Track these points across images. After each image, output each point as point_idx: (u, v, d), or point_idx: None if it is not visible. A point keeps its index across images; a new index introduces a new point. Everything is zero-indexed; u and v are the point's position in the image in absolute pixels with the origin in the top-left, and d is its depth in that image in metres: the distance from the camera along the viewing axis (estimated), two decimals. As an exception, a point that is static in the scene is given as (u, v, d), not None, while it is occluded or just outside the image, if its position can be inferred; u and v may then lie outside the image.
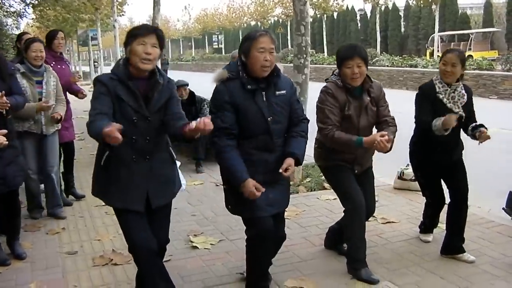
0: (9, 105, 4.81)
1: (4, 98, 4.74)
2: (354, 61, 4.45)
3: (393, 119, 4.75)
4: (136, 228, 3.80)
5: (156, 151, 3.81)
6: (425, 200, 5.41)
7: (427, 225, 5.45)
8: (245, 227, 4.27)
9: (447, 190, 5.18)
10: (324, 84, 4.67)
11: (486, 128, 4.89)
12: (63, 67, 7.09)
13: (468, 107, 4.96)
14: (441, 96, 4.85)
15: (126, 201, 3.75)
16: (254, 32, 4.04)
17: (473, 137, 4.92)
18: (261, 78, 3.99)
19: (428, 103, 4.87)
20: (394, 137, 4.56)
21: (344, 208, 4.77)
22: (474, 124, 4.97)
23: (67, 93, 7.03)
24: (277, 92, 4.07)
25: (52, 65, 6.79)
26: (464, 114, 4.88)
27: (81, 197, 7.30)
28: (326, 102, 4.52)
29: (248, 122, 3.98)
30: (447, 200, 5.19)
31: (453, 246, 5.01)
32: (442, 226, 5.31)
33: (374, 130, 4.76)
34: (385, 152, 4.37)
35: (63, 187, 7.26)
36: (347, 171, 4.70)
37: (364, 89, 4.60)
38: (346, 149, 4.54)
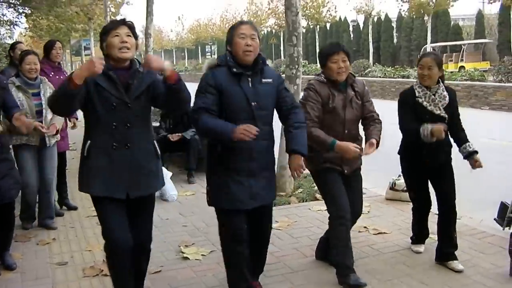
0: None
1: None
2: (339, 55, 4.62)
3: (378, 114, 4.91)
4: (114, 224, 3.87)
5: (138, 140, 3.87)
6: (412, 206, 5.43)
7: (417, 234, 5.44)
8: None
9: (435, 199, 5.21)
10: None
11: (477, 153, 5.14)
12: (61, 77, 7.06)
13: (451, 109, 5.02)
14: (420, 100, 4.93)
15: (107, 189, 3.81)
16: (236, 22, 4.27)
17: (465, 157, 5.12)
18: (248, 66, 4.09)
19: (408, 109, 4.97)
20: (380, 134, 4.81)
21: (328, 218, 4.80)
22: (467, 148, 5.15)
23: None
24: (263, 80, 4.16)
25: (50, 75, 6.82)
26: (446, 115, 4.94)
27: (74, 208, 7.26)
28: (308, 98, 4.67)
29: (232, 106, 4.06)
30: (434, 206, 5.26)
31: (443, 253, 5.06)
32: (434, 237, 5.31)
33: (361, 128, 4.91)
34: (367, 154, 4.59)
35: (56, 197, 7.23)
36: (335, 175, 4.75)
37: (348, 84, 4.74)
38: (320, 148, 4.62)
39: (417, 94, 4.94)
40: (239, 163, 4.08)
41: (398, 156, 5.30)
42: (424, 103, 4.92)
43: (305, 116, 4.46)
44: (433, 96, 4.93)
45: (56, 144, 6.36)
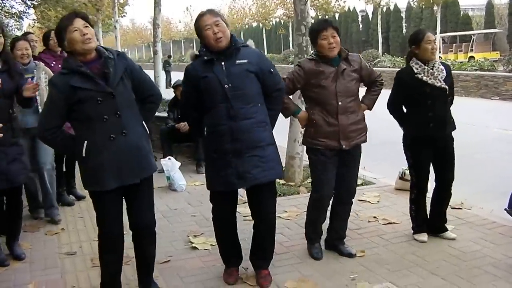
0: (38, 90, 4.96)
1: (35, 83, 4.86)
2: (328, 31, 4.70)
3: (380, 76, 5.14)
4: (110, 215, 3.96)
5: (132, 125, 3.89)
6: (410, 196, 5.49)
7: (417, 220, 5.45)
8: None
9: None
10: None
11: None
12: None
13: (448, 82, 5.16)
14: (420, 76, 5.09)
15: (118, 179, 3.84)
16: (197, 16, 4.30)
17: None
18: (221, 51, 4.19)
19: (403, 88, 5.22)
20: (375, 97, 5.10)
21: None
22: None
23: None
24: (238, 61, 4.22)
25: (52, 64, 6.78)
26: (447, 87, 5.11)
27: (82, 198, 7.26)
28: (292, 72, 4.90)
29: (208, 92, 4.20)
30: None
31: (435, 227, 5.45)
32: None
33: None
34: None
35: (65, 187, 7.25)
36: (327, 158, 4.85)
37: (341, 58, 4.81)
38: (284, 114, 4.96)
39: (415, 71, 5.11)
40: (222, 145, 4.19)
41: (402, 141, 5.41)
42: (424, 78, 5.08)
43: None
44: (431, 70, 5.09)
45: None
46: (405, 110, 5.37)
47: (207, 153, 4.41)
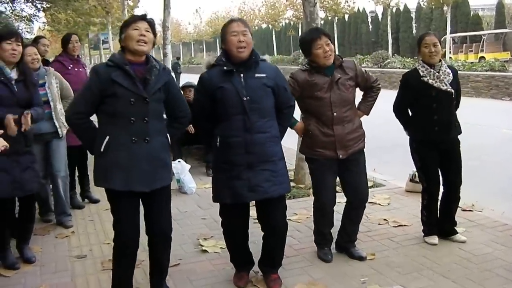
0: (30, 125, 4.89)
1: (29, 118, 4.85)
2: (322, 40, 4.69)
3: (376, 81, 5.11)
4: (126, 219, 3.96)
5: (155, 134, 3.92)
6: (421, 202, 5.46)
7: (428, 224, 5.42)
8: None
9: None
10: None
11: None
12: (80, 70, 7.11)
13: (455, 86, 5.16)
14: (426, 79, 5.09)
15: (128, 183, 3.84)
16: (227, 21, 4.36)
17: None
18: (240, 62, 4.20)
19: (410, 91, 5.20)
20: (375, 100, 5.11)
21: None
22: None
23: None
24: (257, 75, 4.24)
25: (69, 68, 6.88)
26: (452, 91, 5.10)
27: (96, 202, 7.26)
28: (287, 83, 4.77)
29: (225, 103, 4.18)
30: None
31: (445, 231, 5.40)
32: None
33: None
34: None
35: (79, 191, 7.29)
36: (324, 167, 4.86)
37: (336, 66, 4.79)
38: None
39: (421, 74, 5.10)
40: (235, 156, 4.18)
41: (409, 145, 5.40)
42: (430, 81, 5.07)
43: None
44: (437, 73, 5.08)
45: (64, 138, 6.27)
46: (410, 113, 5.36)
47: (217, 164, 4.36)
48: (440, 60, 5.14)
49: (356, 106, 5.01)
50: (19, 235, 5.34)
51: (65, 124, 5.97)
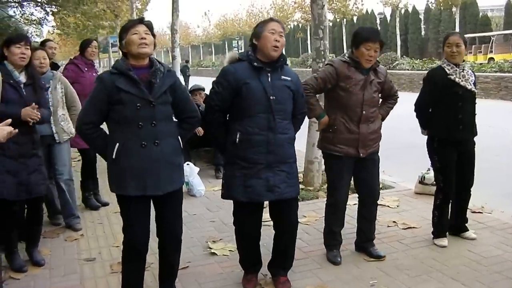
0: (39, 117, 4.90)
1: (36, 111, 4.85)
2: (375, 44, 4.72)
3: (397, 92, 5.23)
4: (137, 222, 3.97)
5: (166, 136, 3.92)
6: (434, 202, 5.47)
7: (439, 226, 5.42)
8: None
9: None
10: None
11: None
12: (94, 74, 7.12)
13: (476, 87, 5.24)
14: (453, 77, 5.10)
15: (142, 188, 3.86)
16: (266, 19, 4.37)
17: None
18: (269, 62, 4.21)
19: (435, 88, 5.19)
20: (389, 109, 5.17)
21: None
22: None
23: None
24: (282, 77, 4.27)
25: (84, 71, 6.97)
26: (476, 91, 5.19)
27: (105, 204, 7.27)
28: (324, 70, 4.93)
29: (251, 100, 4.17)
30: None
31: (458, 227, 5.52)
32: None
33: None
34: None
35: (86, 194, 7.29)
36: (343, 164, 4.91)
37: (371, 68, 4.88)
38: (308, 113, 4.84)
39: (448, 72, 5.12)
40: (256, 155, 4.18)
41: (426, 145, 5.40)
42: (457, 79, 5.09)
43: (309, 83, 4.84)
44: (463, 73, 5.12)
45: (68, 141, 6.26)
46: (432, 112, 5.34)
47: (233, 160, 4.30)
48: (463, 61, 5.20)
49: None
50: (28, 238, 5.36)
51: (65, 129, 6.03)
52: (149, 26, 3.94)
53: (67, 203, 6.32)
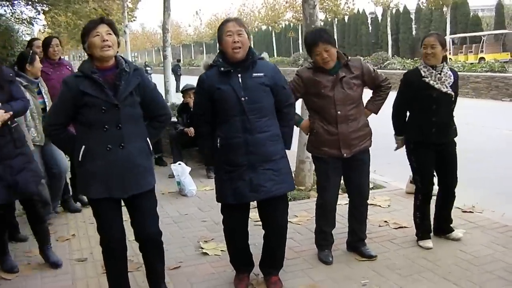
0: (9, 115, 4.68)
1: (4, 114, 4.64)
2: (320, 47, 4.68)
3: (386, 80, 5.11)
4: (109, 222, 3.99)
5: (132, 139, 3.90)
6: (414, 203, 5.47)
7: (422, 227, 5.42)
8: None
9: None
10: None
11: None
12: (63, 72, 6.99)
13: (456, 88, 5.17)
14: (427, 80, 5.07)
15: (105, 191, 3.86)
16: (223, 21, 4.32)
17: None
18: (238, 62, 4.18)
19: (409, 89, 5.18)
20: (384, 99, 5.11)
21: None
22: None
23: None
24: (254, 74, 4.22)
25: (50, 73, 6.80)
26: (453, 93, 5.10)
27: (88, 204, 7.23)
28: (291, 82, 4.85)
29: (224, 104, 4.17)
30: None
31: (442, 229, 5.52)
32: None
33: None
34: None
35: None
36: (329, 165, 4.91)
37: (341, 65, 4.80)
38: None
39: (423, 74, 5.08)
40: (236, 157, 4.18)
41: (404, 146, 5.41)
42: (431, 82, 5.05)
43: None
44: (439, 75, 5.07)
45: None
46: (408, 115, 5.35)
47: (219, 165, 4.34)
48: (442, 62, 5.12)
49: (364, 105, 5.04)
50: (36, 238, 5.28)
51: (33, 132, 6.02)
52: (111, 25, 3.89)
53: (58, 197, 6.54)
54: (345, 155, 4.82)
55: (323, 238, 5.14)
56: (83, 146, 3.83)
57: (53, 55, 6.98)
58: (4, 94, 4.80)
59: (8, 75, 5.03)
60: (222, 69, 4.15)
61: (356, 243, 5.20)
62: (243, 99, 4.13)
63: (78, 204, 7.28)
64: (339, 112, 4.76)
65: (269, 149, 4.24)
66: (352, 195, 5.13)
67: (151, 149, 4.11)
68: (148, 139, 4.05)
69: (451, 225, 5.51)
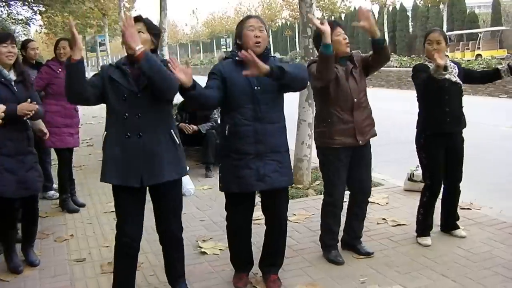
0: (36, 109, 4.87)
1: (33, 104, 4.84)
2: (338, 29, 4.77)
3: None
4: (126, 215, 4.02)
5: (151, 129, 3.94)
6: (420, 199, 5.47)
7: (423, 224, 5.44)
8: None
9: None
10: None
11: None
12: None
13: (465, 72, 5.36)
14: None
15: (120, 177, 3.92)
16: (244, 17, 4.42)
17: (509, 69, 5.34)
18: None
19: (424, 73, 5.06)
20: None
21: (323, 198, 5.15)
22: (503, 66, 5.46)
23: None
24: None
25: (58, 72, 6.83)
26: (461, 82, 5.18)
27: (82, 206, 7.25)
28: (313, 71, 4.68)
29: (235, 92, 4.19)
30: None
31: (449, 224, 5.54)
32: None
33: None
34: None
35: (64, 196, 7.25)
36: (341, 159, 4.88)
37: (347, 58, 4.88)
38: (326, 65, 4.52)
39: (431, 68, 4.99)
40: (245, 145, 4.19)
41: (415, 142, 5.40)
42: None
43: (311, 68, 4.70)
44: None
45: None
46: (418, 109, 5.36)
47: (225, 154, 4.33)
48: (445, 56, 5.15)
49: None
50: (24, 237, 5.33)
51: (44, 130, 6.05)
52: (147, 23, 4.05)
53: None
54: (360, 142, 4.83)
55: (332, 238, 5.09)
56: (105, 133, 3.98)
57: (60, 57, 6.96)
58: (28, 94, 4.99)
59: (32, 79, 5.30)
60: (238, 58, 4.17)
61: (353, 240, 5.19)
62: (256, 88, 4.17)
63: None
64: (355, 100, 4.80)
65: (277, 141, 4.28)
66: (355, 191, 5.12)
67: (177, 140, 4.10)
68: (171, 130, 4.07)
69: (457, 222, 5.54)
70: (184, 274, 4.44)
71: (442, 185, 5.39)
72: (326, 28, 4.33)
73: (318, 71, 4.56)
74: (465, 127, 5.33)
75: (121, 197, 4.00)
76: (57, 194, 7.46)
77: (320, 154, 5.08)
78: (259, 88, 4.18)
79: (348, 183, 5.10)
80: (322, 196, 6.67)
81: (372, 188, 7.11)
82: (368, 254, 5.06)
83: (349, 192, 5.19)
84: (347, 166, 4.94)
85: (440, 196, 5.47)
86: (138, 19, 4.01)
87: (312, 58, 7.26)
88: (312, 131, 7.44)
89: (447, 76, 5.01)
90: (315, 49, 7.21)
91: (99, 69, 4.13)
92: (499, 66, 5.44)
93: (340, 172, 4.93)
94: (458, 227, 5.50)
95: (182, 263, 4.40)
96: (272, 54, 4.45)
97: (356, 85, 4.83)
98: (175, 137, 4.09)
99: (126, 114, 3.88)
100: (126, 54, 3.99)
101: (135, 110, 3.89)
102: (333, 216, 5.07)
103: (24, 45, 7.30)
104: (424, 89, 5.11)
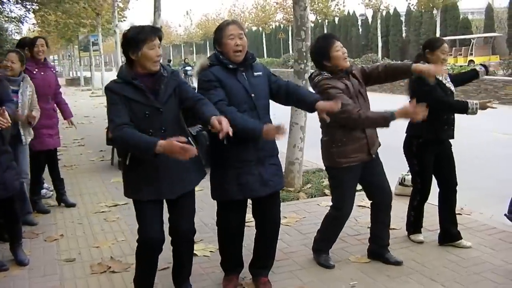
0: (10, 123, 4.76)
1: (6, 114, 4.70)
2: (337, 43, 4.65)
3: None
4: (150, 223, 4.00)
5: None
6: (411, 203, 5.55)
7: (414, 222, 5.50)
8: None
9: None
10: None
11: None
12: (47, 73, 6.97)
13: (451, 78, 5.40)
14: (440, 78, 5.14)
15: (155, 193, 3.92)
16: (222, 23, 4.33)
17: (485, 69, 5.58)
18: (240, 62, 4.20)
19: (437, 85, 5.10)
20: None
21: (329, 208, 5.05)
22: (476, 68, 5.67)
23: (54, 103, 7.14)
24: (255, 73, 4.28)
25: (34, 72, 6.73)
26: (454, 91, 5.30)
27: (72, 206, 7.24)
28: (338, 95, 4.50)
29: (233, 99, 4.12)
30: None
31: (450, 234, 5.37)
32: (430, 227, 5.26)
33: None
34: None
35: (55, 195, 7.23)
36: (354, 176, 4.82)
37: (348, 72, 4.75)
38: (379, 125, 4.57)
39: (437, 76, 5.03)
40: (247, 153, 4.18)
41: (403, 147, 5.47)
42: (444, 80, 5.18)
43: (348, 107, 4.43)
44: (445, 74, 5.22)
45: (27, 144, 6.27)
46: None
47: (222, 161, 4.24)
48: None
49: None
50: (10, 236, 5.32)
51: (29, 132, 6.02)
52: (161, 38, 3.90)
53: (27, 200, 6.36)
54: (373, 155, 4.81)
55: (327, 245, 5.10)
56: (129, 152, 3.89)
57: (38, 55, 6.88)
58: None
59: (1, 76, 5.18)
60: (231, 66, 4.14)
61: (380, 249, 5.08)
62: (252, 95, 4.17)
63: (63, 205, 7.28)
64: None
65: (273, 144, 4.33)
66: (376, 198, 5.02)
67: (193, 143, 4.08)
68: (189, 139, 4.05)
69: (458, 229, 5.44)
70: (190, 275, 4.47)
71: (438, 192, 5.43)
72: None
73: (355, 123, 4.55)
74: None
75: (147, 208, 3.99)
76: (50, 193, 7.47)
77: (333, 173, 4.93)
78: (254, 95, 4.18)
79: (369, 192, 5.06)
80: (313, 199, 6.70)
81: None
82: (398, 263, 4.95)
83: (371, 202, 5.09)
84: (358, 179, 4.90)
85: (436, 203, 5.49)
86: (155, 33, 3.82)
87: (303, 63, 7.28)
88: (304, 134, 7.48)
89: (447, 85, 5.13)
90: (308, 52, 7.23)
91: (106, 92, 3.86)
92: (477, 68, 5.62)
93: (353, 188, 4.90)
94: (460, 238, 5.36)
95: (191, 264, 4.44)
96: (257, 61, 4.41)
97: (364, 102, 4.75)
98: (193, 143, 4.07)
99: (151, 131, 3.80)
100: (125, 65, 3.88)
101: (159, 126, 3.85)
102: (338, 228, 5.06)
103: (34, 43, 7.07)
104: (428, 98, 4.92)
